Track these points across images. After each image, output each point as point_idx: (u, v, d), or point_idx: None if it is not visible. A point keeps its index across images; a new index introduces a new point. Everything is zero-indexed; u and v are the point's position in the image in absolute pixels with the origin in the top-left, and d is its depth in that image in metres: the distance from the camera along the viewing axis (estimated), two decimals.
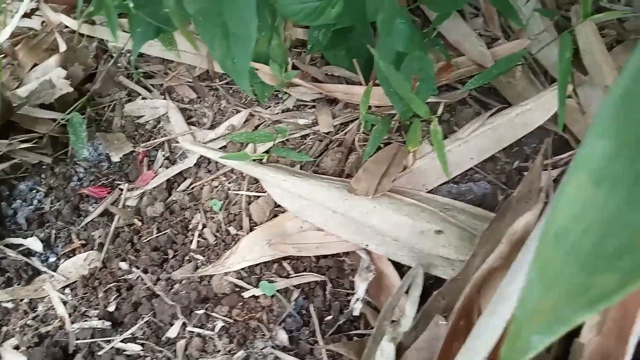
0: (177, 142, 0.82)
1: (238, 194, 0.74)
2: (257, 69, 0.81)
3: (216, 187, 0.77)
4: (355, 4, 0.67)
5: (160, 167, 0.82)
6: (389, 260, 0.63)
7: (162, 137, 0.85)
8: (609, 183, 0.25)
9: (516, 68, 0.80)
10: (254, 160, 0.73)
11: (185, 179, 0.79)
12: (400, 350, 0.55)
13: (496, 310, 0.46)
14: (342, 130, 0.79)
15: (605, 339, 0.51)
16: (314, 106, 0.84)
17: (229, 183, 0.77)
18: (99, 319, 0.64)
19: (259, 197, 0.73)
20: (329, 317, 0.63)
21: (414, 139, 0.64)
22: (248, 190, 0.74)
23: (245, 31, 0.59)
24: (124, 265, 0.70)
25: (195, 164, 0.80)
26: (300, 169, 0.75)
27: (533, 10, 0.85)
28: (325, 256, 0.66)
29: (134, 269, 0.70)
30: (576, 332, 0.52)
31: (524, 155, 0.71)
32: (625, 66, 0.24)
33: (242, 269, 0.66)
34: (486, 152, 0.70)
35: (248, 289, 0.64)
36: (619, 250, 0.26)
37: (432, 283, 0.62)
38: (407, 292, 0.60)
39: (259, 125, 0.83)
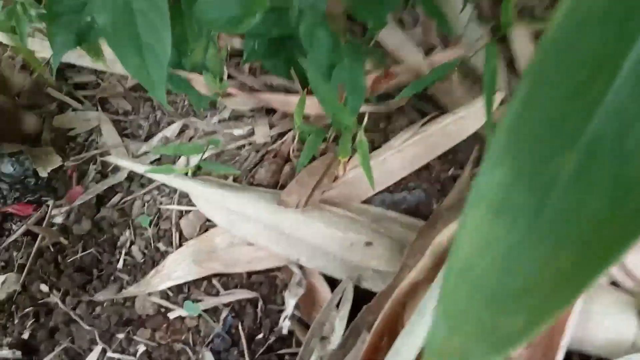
0: (109, 154, 0.79)
1: (169, 209, 0.71)
2: (190, 79, 0.79)
3: (148, 201, 0.74)
4: (278, 13, 0.66)
5: (91, 181, 0.78)
6: (321, 274, 0.61)
7: (94, 150, 0.81)
8: (509, 214, 0.23)
9: (453, 76, 0.79)
10: (185, 173, 0.70)
11: (116, 193, 0.76)
12: None
13: (413, 329, 0.44)
14: (279, 141, 0.77)
15: (534, 352, 0.50)
16: (252, 116, 0.82)
17: (162, 197, 0.74)
18: (10, 349, 0.60)
19: (189, 211, 0.70)
20: (260, 336, 0.61)
21: (344, 150, 0.62)
22: (179, 204, 0.71)
23: (159, 42, 0.57)
24: (44, 288, 0.66)
25: (127, 178, 0.77)
26: (234, 181, 0.73)
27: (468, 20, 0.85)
28: (257, 272, 0.64)
29: (54, 292, 0.66)
30: None
31: (459, 162, 0.70)
32: (516, 90, 0.23)
33: (168, 288, 0.63)
34: (420, 161, 0.69)
35: (173, 310, 0.61)
36: (523, 287, 0.23)
37: (363, 297, 0.60)
38: (338, 306, 0.58)
39: (194, 137, 0.80)
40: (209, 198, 0.66)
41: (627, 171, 0.19)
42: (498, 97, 0.69)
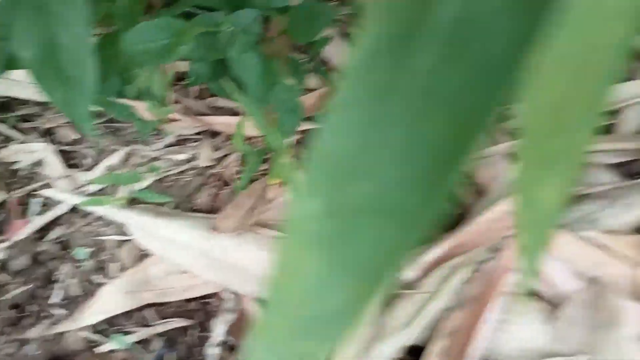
0: (51, 187, 0.78)
1: (108, 240, 0.70)
2: (133, 106, 0.78)
3: (89, 233, 0.72)
4: (210, 37, 0.65)
5: (33, 215, 0.77)
6: (254, 298, 0.60)
7: (37, 182, 0.80)
8: (321, 246, 0.23)
9: None
10: (122, 202, 0.69)
11: (58, 226, 0.74)
12: None
13: None
14: (222, 163, 0.76)
15: None
16: (197, 140, 0.81)
17: (103, 228, 0.73)
18: None
19: (128, 241, 0.69)
20: None
21: (273, 172, 0.62)
22: (118, 234, 0.70)
23: (84, 75, 0.56)
24: None
25: (71, 210, 0.75)
26: (176, 207, 0.71)
27: None
28: (192, 300, 0.63)
29: None
30: None
31: None
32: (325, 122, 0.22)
33: (101, 321, 0.61)
34: None
35: (102, 344, 0.60)
36: (331, 316, 0.24)
37: None
38: None
39: (139, 163, 0.79)
40: (144, 227, 0.65)
41: None
42: None
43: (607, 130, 0.77)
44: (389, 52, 0.18)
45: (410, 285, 0.57)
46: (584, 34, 0.22)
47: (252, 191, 0.67)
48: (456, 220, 0.62)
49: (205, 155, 0.77)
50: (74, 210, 0.76)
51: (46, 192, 0.74)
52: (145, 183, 0.74)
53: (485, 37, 0.17)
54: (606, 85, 0.24)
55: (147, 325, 0.61)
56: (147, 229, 0.64)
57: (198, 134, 0.81)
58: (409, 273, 0.57)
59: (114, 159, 0.79)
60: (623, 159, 0.72)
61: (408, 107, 0.19)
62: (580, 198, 0.68)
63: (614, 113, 0.78)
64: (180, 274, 0.63)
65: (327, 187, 0.22)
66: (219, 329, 0.57)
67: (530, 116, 0.26)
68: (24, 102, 0.87)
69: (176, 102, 0.83)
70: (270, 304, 0.24)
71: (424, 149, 0.19)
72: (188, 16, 0.69)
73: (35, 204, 0.78)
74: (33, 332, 0.62)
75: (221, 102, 0.83)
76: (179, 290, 0.62)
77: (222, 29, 0.62)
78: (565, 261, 0.60)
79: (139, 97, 0.80)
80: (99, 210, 0.69)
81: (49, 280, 0.68)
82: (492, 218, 0.60)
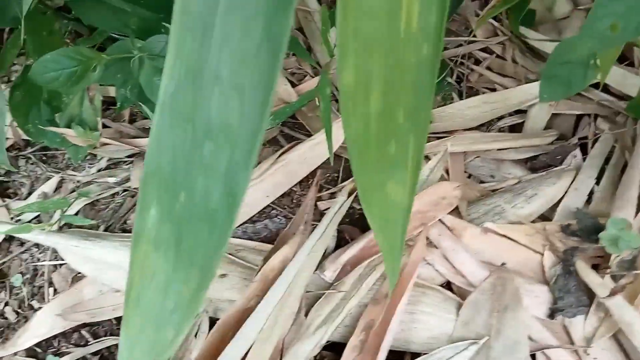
0: None
1: (43, 265, 0.72)
2: (64, 134, 0.80)
3: (25, 260, 0.74)
4: (121, 62, 0.68)
5: None
6: None
7: None
8: (163, 247, 0.27)
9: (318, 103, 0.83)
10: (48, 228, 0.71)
11: None
12: None
13: (227, 356, 0.46)
14: None
15: (364, 356, 0.53)
16: (129, 162, 0.83)
17: (39, 254, 0.74)
18: None
19: (62, 265, 0.71)
20: None
21: None
22: (52, 259, 0.72)
23: None
24: None
25: (5, 239, 0.77)
26: (108, 229, 0.74)
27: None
28: None
29: None
30: None
31: (319, 186, 0.73)
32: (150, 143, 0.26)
33: (35, 345, 0.63)
34: (281, 188, 0.72)
35: None
36: (175, 307, 0.28)
37: None
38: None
39: (74, 189, 0.81)
40: (74, 251, 0.67)
41: None
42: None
43: (515, 128, 0.83)
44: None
45: (329, 286, 0.61)
46: (390, 52, 0.26)
47: None
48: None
49: (137, 176, 0.80)
50: (11, 238, 0.77)
51: None
52: (75, 208, 0.76)
53: None
54: (422, 97, 0.29)
55: (82, 345, 0.63)
56: (78, 252, 0.67)
57: (129, 156, 0.84)
58: (328, 274, 0.61)
59: (47, 186, 0.81)
60: (529, 155, 0.78)
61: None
62: (488, 193, 0.74)
63: (521, 112, 0.84)
64: (112, 294, 0.65)
65: (160, 195, 0.26)
66: None
67: (355, 130, 0.30)
68: None
69: (107, 127, 0.85)
70: (129, 302, 0.28)
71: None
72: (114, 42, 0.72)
73: None
74: None
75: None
76: (109, 310, 0.64)
77: (134, 54, 0.65)
78: (473, 252, 0.65)
79: (69, 124, 0.82)
80: (31, 237, 0.71)
81: None
82: None
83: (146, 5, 0.72)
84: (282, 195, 0.71)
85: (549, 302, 0.59)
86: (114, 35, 0.77)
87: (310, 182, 0.73)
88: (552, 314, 0.57)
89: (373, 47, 0.26)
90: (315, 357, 0.58)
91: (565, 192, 0.69)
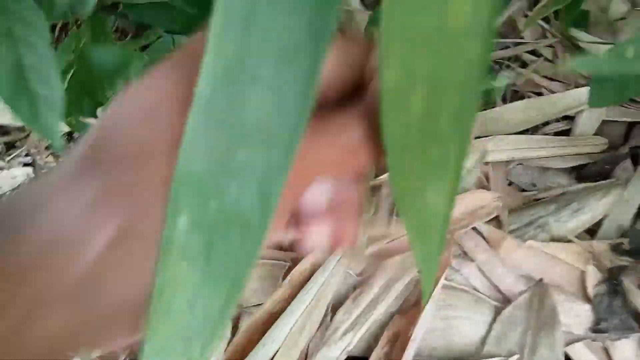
0: None
1: None
2: None
3: None
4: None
5: None
6: None
7: None
8: (192, 256, 0.27)
9: None
10: None
11: None
12: None
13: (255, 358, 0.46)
14: None
15: None
16: None
17: None
18: None
19: None
20: None
21: None
22: None
23: (49, 91, 0.61)
24: None
25: None
26: None
27: None
28: None
29: None
30: None
31: None
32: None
33: None
34: None
35: None
36: (209, 319, 0.27)
37: None
38: None
39: None
40: None
41: None
42: None
43: (561, 135, 0.80)
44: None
45: (356, 283, 0.60)
46: (436, 50, 0.25)
47: None
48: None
49: None
50: None
51: None
52: None
53: None
54: (467, 100, 0.27)
55: None
56: None
57: None
58: (355, 268, 0.60)
59: None
60: (575, 164, 0.75)
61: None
62: (531, 202, 0.71)
63: (569, 118, 0.80)
64: None
65: (191, 202, 0.25)
66: None
67: (394, 132, 0.29)
68: (6, 130, 0.92)
69: None
70: (156, 313, 0.28)
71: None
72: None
73: None
74: None
75: None
76: None
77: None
78: (511, 265, 0.62)
79: None
80: None
81: None
82: None
83: (190, 2, 0.73)
84: None
85: (591, 322, 0.56)
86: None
87: None
88: (593, 335, 0.54)
89: (419, 44, 0.24)
90: None
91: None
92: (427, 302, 0.52)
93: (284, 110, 0.20)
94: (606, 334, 0.53)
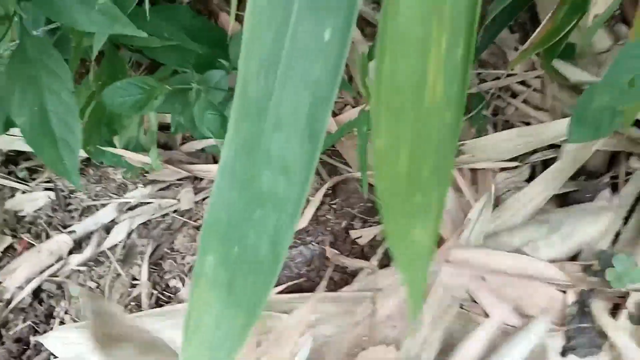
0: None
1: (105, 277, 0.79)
2: (122, 156, 0.88)
3: (82, 272, 0.82)
4: (180, 93, 0.75)
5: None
6: None
7: (40, 228, 0.90)
8: (218, 287, 0.33)
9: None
10: None
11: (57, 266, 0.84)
12: None
13: None
14: (202, 205, 0.86)
15: None
16: (180, 184, 0.90)
17: (97, 267, 0.82)
18: None
19: (119, 275, 0.78)
20: None
21: None
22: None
23: (71, 135, 0.67)
24: None
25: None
26: (156, 248, 0.81)
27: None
28: None
29: None
30: None
31: (351, 215, 0.77)
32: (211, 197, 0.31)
33: None
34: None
35: None
36: (230, 338, 0.33)
37: None
38: None
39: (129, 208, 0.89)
40: None
41: None
42: None
43: (547, 163, 0.85)
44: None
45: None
46: (417, 119, 0.31)
47: None
48: None
49: (186, 198, 0.86)
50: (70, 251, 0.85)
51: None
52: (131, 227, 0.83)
53: None
54: (445, 155, 0.33)
55: None
56: None
57: (180, 179, 0.90)
58: None
59: (105, 215, 0.88)
60: (565, 190, 0.79)
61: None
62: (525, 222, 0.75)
63: (556, 147, 0.85)
64: None
65: (218, 245, 0.31)
66: None
67: (386, 183, 0.35)
68: (28, 156, 0.98)
69: (166, 148, 0.92)
70: (189, 328, 0.33)
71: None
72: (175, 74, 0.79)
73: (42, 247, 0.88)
74: None
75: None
76: None
77: (192, 86, 0.72)
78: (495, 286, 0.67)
79: (127, 146, 0.90)
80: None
81: (49, 317, 0.77)
82: None
83: (202, 41, 0.79)
84: (317, 223, 0.76)
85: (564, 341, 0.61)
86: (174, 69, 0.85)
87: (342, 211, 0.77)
88: (564, 353, 0.59)
89: (402, 116, 0.30)
90: None
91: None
92: (413, 320, 0.57)
93: (289, 183, 0.26)
94: (574, 351, 0.57)
